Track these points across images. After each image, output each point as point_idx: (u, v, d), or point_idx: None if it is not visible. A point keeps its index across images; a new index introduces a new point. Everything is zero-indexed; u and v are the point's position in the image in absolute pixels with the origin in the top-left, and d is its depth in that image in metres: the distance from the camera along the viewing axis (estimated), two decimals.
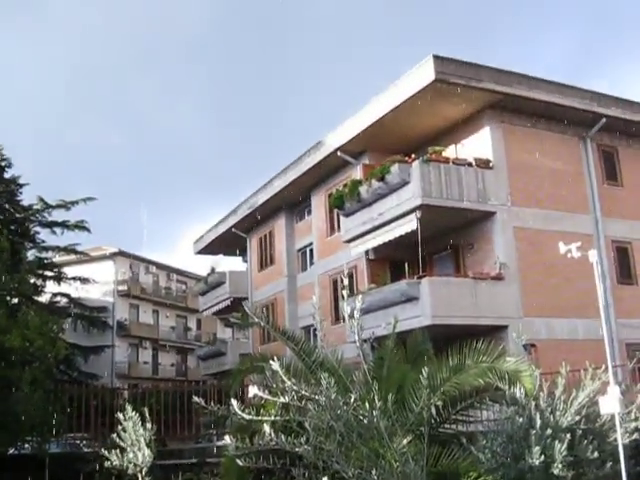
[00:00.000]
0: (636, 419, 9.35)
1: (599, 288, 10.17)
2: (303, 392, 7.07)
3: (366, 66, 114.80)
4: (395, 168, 19.51)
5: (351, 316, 7.72)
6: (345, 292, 7.89)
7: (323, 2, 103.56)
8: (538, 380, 9.02)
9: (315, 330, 8.64)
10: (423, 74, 19.26)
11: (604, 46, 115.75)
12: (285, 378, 7.01)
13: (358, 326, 7.63)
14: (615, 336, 20.80)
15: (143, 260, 53.58)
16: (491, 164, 20.32)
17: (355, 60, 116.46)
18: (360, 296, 8.12)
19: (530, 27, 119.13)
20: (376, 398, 6.98)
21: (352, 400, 7.15)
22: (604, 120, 21.91)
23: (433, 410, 7.93)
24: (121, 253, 50.40)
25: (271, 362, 7.21)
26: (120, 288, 49.82)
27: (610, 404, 8.73)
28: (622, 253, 22.53)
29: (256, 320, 8.97)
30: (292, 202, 29.11)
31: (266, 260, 31.96)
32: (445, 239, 21.13)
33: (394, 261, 22.21)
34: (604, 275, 21.22)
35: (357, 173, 23.01)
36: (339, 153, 23.58)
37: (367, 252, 22.46)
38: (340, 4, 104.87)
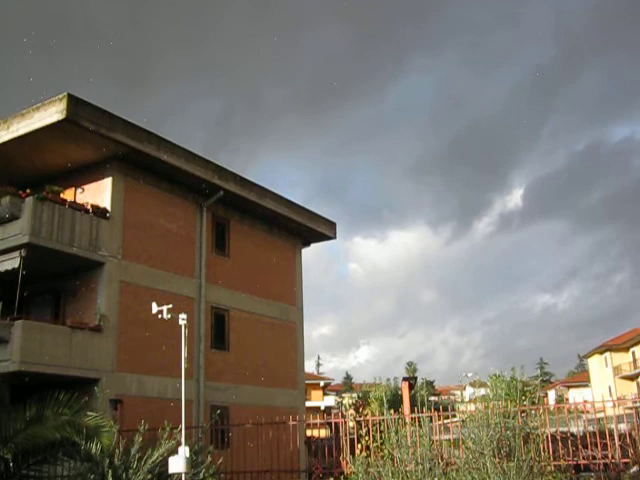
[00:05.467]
0: (204, 479, 9.84)
1: (183, 350, 10.63)
2: None
3: None
4: (6, 200, 18.30)
5: None
6: None
7: None
8: (116, 437, 9.02)
9: None
10: (54, 110, 18.50)
11: (242, 120, 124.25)
12: None
13: None
14: (202, 397, 21.76)
15: None
16: (108, 215, 20.14)
17: None
18: None
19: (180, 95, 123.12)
20: None
21: None
22: (222, 193, 23.28)
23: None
24: None
25: None
26: None
27: (178, 464, 9.04)
28: (219, 319, 23.83)
29: None
30: None
31: None
32: (49, 283, 20.24)
33: None
34: (200, 338, 22.23)
35: None
36: None
37: None
38: None
